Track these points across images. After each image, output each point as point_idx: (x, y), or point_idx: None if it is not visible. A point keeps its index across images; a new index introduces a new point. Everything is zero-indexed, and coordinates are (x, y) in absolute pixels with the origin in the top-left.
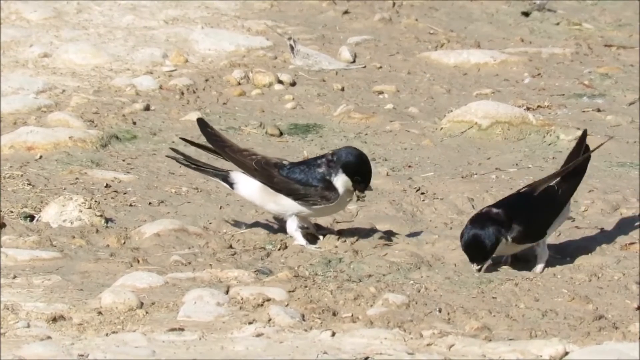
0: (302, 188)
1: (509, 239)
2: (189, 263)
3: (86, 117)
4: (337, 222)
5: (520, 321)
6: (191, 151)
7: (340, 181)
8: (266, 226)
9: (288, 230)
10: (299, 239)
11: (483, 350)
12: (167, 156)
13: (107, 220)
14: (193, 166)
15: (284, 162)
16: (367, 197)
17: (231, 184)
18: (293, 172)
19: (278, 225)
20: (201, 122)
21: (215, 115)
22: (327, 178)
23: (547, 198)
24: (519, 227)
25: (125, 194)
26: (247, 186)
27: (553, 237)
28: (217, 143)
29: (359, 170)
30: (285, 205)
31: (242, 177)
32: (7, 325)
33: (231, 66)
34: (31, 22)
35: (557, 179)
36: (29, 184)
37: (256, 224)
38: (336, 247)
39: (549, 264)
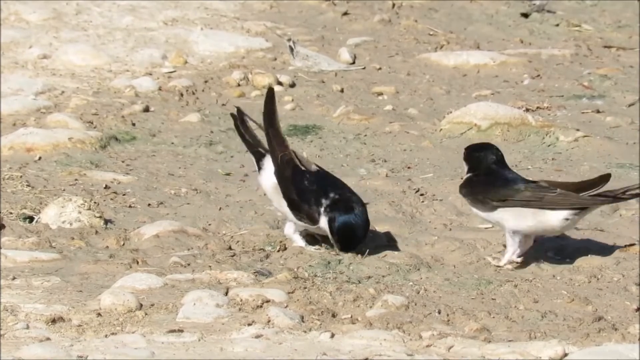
0: (297, 200)
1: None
2: (189, 264)
3: (85, 118)
4: None
5: (520, 322)
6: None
7: (323, 223)
8: (265, 228)
9: (285, 233)
10: (298, 241)
11: (482, 351)
12: (230, 114)
13: (107, 221)
14: (241, 133)
15: (310, 167)
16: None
17: (259, 168)
18: (301, 183)
19: (277, 227)
20: (270, 93)
21: (214, 117)
22: (318, 212)
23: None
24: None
25: (124, 195)
26: (269, 177)
27: (553, 237)
28: (269, 116)
29: (339, 237)
30: (285, 212)
31: (270, 166)
32: (6, 326)
33: (230, 67)
34: (30, 23)
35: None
36: (28, 185)
37: (255, 226)
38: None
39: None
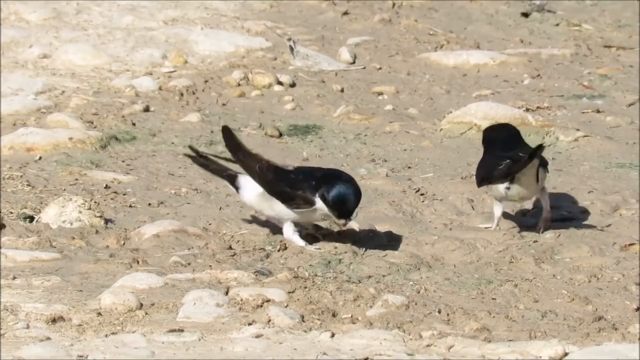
0: (287, 190)
1: None
2: (189, 264)
3: (86, 118)
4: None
5: (520, 322)
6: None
7: (319, 203)
8: (266, 227)
9: (285, 235)
10: (298, 242)
11: (482, 351)
12: (184, 154)
13: (107, 221)
14: (205, 165)
15: (288, 167)
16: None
17: (237, 188)
18: (286, 177)
19: (277, 227)
20: (226, 130)
21: (214, 117)
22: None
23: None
24: None
25: (124, 194)
26: (250, 191)
27: (553, 237)
28: (233, 146)
29: (334, 204)
30: (280, 211)
31: (247, 182)
32: (6, 326)
33: (231, 67)
34: (31, 23)
35: None
36: (29, 185)
37: (256, 225)
38: (335, 248)
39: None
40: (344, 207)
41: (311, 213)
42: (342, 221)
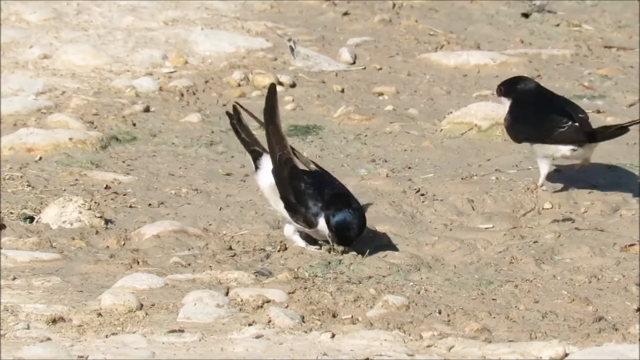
0: (294, 203)
1: None
2: (189, 264)
3: (86, 118)
4: None
5: (520, 323)
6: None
7: (322, 224)
8: (266, 228)
9: (285, 234)
10: (298, 242)
11: (483, 351)
12: (226, 112)
13: (107, 221)
14: (237, 132)
15: (308, 168)
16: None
17: (257, 167)
18: (298, 185)
19: (278, 227)
20: (272, 88)
21: (215, 117)
22: (315, 215)
23: None
24: None
25: (125, 195)
26: (266, 177)
27: (553, 237)
28: (269, 112)
29: (336, 231)
30: (283, 213)
31: (268, 165)
32: (6, 326)
33: (231, 67)
34: (31, 23)
35: None
36: (29, 185)
37: (256, 226)
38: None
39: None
40: (345, 235)
41: (309, 231)
42: (342, 248)
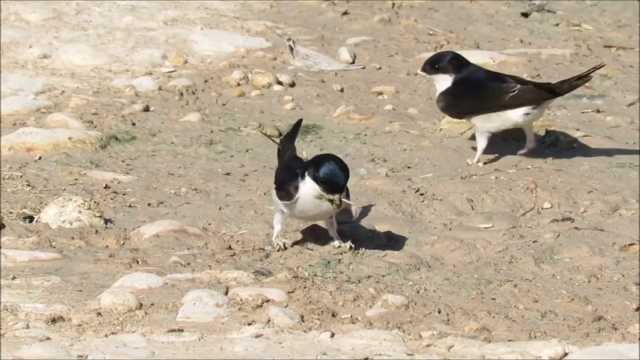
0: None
1: None
2: (188, 264)
3: (85, 118)
4: (338, 223)
5: (520, 322)
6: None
7: (307, 185)
8: (265, 227)
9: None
10: (275, 228)
11: (482, 351)
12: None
13: (107, 221)
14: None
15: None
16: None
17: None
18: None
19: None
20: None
21: (214, 116)
22: (297, 178)
23: None
24: None
25: (124, 194)
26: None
27: (553, 237)
28: (285, 138)
29: (323, 180)
30: (275, 199)
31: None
32: (6, 326)
33: (230, 67)
34: (30, 23)
35: None
36: (28, 185)
37: (255, 225)
38: (335, 247)
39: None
40: (333, 181)
41: (293, 206)
42: (336, 196)
